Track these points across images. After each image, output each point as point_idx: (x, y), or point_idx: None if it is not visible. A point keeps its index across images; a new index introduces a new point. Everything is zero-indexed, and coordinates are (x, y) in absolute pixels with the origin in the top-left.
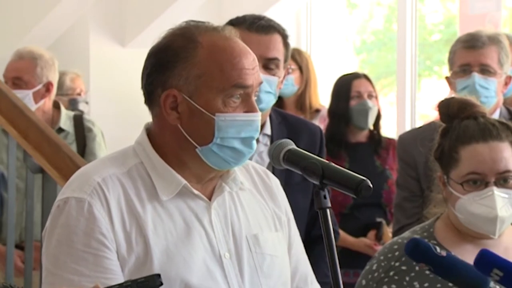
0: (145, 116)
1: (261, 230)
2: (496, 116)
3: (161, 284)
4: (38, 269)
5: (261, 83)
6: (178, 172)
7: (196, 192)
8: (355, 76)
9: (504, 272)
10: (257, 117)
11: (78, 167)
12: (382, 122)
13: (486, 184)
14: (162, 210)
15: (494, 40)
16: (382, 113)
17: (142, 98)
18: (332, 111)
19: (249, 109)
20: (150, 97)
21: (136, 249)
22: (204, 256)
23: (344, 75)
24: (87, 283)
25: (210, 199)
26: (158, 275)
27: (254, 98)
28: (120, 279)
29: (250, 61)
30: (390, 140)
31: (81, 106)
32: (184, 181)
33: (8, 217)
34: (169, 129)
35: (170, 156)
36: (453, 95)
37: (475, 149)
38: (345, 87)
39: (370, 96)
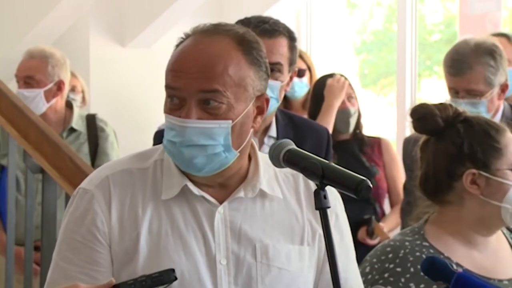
0: (145, 116)
1: (277, 241)
2: (498, 116)
3: (176, 278)
4: (39, 269)
5: (203, 91)
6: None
7: (197, 193)
8: (330, 76)
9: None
10: (183, 122)
11: (78, 167)
12: (362, 121)
13: None
14: (164, 209)
15: (479, 58)
16: (362, 112)
17: (142, 98)
18: (311, 113)
19: (183, 114)
20: None
21: (128, 244)
22: (196, 260)
23: (321, 77)
24: (76, 273)
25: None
26: (173, 270)
27: (193, 104)
28: (108, 272)
29: (191, 65)
30: (375, 138)
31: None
32: (186, 182)
33: (8, 216)
34: None
35: None
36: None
37: None
38: (322, 89)
39: (349, 98)
